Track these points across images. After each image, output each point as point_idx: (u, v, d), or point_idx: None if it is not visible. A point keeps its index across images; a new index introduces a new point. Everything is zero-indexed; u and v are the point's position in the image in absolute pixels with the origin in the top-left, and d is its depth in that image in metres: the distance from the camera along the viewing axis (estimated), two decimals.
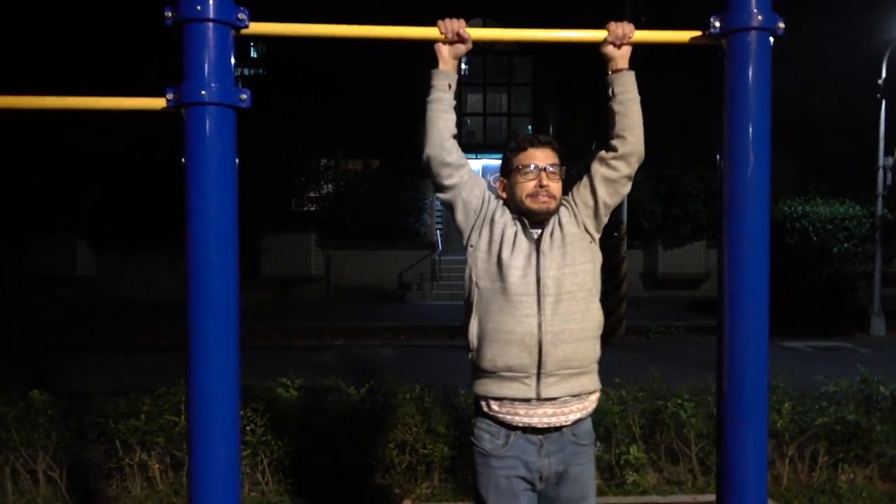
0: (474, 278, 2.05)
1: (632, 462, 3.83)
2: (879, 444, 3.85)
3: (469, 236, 2.09)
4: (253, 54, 17.50)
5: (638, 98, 2.01)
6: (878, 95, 10.56)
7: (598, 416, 3.90)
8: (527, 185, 2.04)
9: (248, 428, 3.74)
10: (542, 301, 1.97)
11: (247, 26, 1.56)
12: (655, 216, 14.22)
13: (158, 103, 1.56)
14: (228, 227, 1.53)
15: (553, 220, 2.07)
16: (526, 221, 2.05)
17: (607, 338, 9.90)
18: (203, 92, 1.47)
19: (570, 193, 2.14)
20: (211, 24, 1.48)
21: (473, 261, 2.06)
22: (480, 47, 18.12)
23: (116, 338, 10.25)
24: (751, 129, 1.58)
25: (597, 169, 2.06)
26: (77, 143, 13.13)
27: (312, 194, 15.87)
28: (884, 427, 3.85)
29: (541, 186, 2.03)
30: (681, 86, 14.29)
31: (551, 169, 2.05)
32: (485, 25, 19.36)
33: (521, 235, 2.03)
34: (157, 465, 3.76)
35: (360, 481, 3.81)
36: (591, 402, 2.08)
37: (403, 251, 15.03)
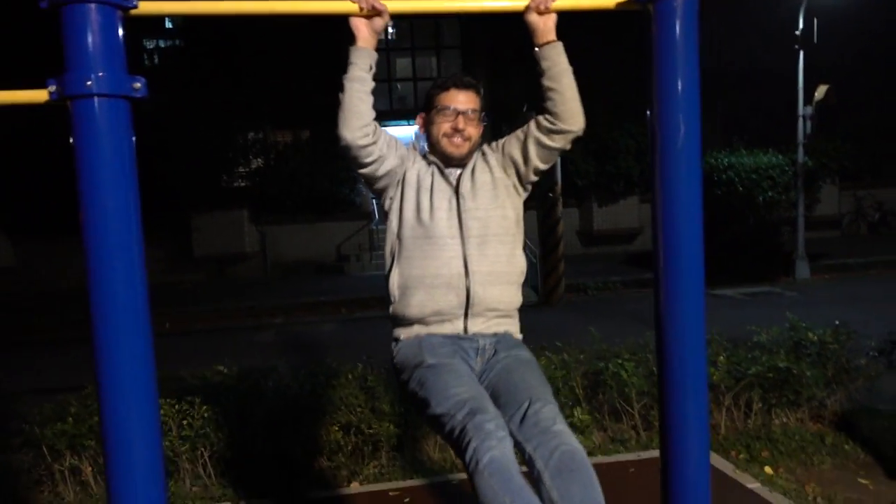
0: (395, 230, 2.03)
1: (577, 424, 3.87)
2: (809, 388, 4.00)
3: (386, 192, 2.06)
4: (168, 24, 16.66)
5: (569, 70, 1.94)
6: (796, 46, 10.83)
7: None
8: (443, 126, 2.04)
9: (184, 422, 3.61)
10: (466, 242, 1.97)
11: (135, 6, 1.40)
12: (589, 174, 14.38)
13: (40, 96, 1.40)
14: (130, 232, 1.40)
15: (474, 162, 2.07)
16: (441, 165, 2.05)
17: (548, 297, 10.08)
18: (89, 82, 1.31)
19: (500, 142, 2.11)
20: (93, 6, 1.32)
21: (394, 214, 2.04)
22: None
23: (40, 330, 9.77)
24: (680, 97, 1.54)
25: (533, 131, 2.02)
26: None
27: (242, 170, 15.37)
28: (814, 372, 3.99)
29: (457, 130, 2.02)
30: (608, 41, 14.36)
31: (471, 114, 2.04)
32: None
33: (438, 179, 2.03)
34: (89, 469, 3.59)
35: (306, 466, 3.74)
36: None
37: (340, 223, 14.79)
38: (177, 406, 3.63)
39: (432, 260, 1.95)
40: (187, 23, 16.31)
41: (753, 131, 14.06)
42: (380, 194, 2.10)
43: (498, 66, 16.79)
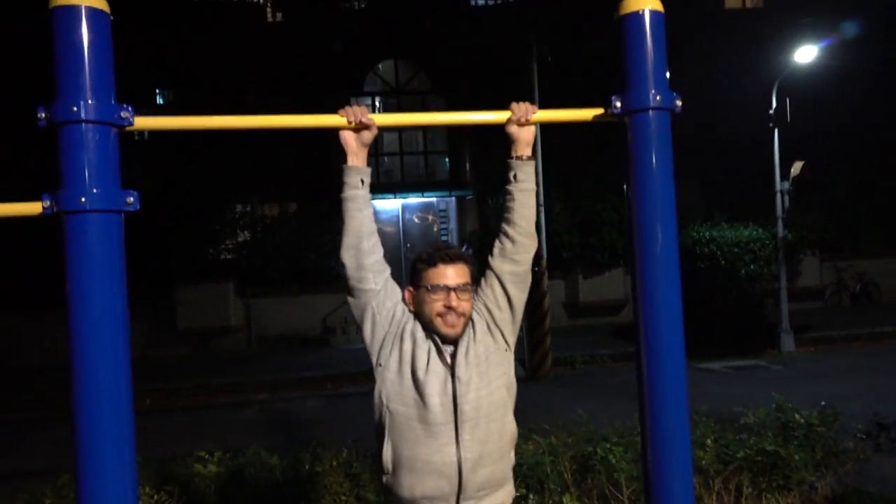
0: (384, 401, 1.94)
1: None
2: (799, 472, 3.97)
3: (378, 353, 1.98)
4: (159, 101, 16.99)
5: (535, 190, 2.04)
6: (770, 125, 11.19)
7: (530, 467, 3.87)
8: (435, 305, 1.96)
9: None
10: (459, 428, 1.91)
11: (131, 123, 1.46)
12: (574, 246, 14.53)
13: (34, 209, 1.43)
14: (117, 339, 1.41)
15: (467, 336, 1.99)
16: (438, 340, 1.96)
17: (535, 372, 10.01)
18: (83, 199, 1.35)
19: (478, 301, 2.05)
20: (91, 125, 1.37)
21: (383, 381, 1.96)
22: (394, 88, 18.25)
23: (18, 407, 9.52)
24: (658, 207, 1.60)
25: (501, 267, 2.02)
26: None
27: (229, 242, 15.40)
28: (802, 455, 3.97)
29: (450, 308, 1.95)
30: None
31: (461, 289, 1.97)
32: (396, 67, 19.56)
33: (434, 358, 1.94)
34: None
35: None
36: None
37: (325, 295, 14.71)
38: (156, 497, 3.53)
39: (425, 446, 1.89)
40: (179, 98, 16.64)
41: (734, 204, 14.37)
42: (370, 341, 1.99)
43: (483, 139, 17.16)
